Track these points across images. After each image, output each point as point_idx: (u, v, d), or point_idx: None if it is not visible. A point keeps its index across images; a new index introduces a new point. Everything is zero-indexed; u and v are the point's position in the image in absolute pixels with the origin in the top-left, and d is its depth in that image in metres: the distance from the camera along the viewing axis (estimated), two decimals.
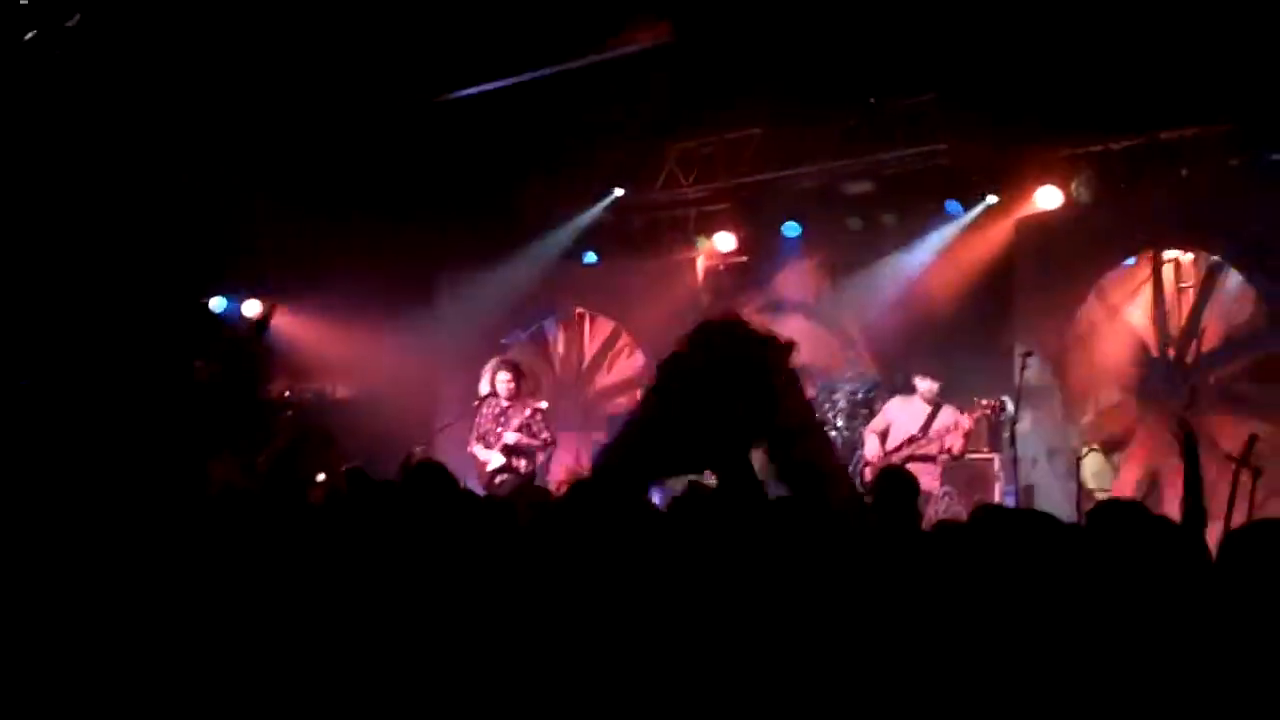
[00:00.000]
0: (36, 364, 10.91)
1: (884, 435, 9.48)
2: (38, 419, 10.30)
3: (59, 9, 9.17)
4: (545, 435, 9.32)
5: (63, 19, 9.21)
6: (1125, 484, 9.65)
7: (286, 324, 13.33)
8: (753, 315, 12.37)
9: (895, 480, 5.14)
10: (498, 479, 9.22)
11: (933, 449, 9.19)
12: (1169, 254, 10.08)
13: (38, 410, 10.50)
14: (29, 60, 9.45)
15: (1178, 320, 9.94)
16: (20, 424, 9.86)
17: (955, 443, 9.10)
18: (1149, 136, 9.90)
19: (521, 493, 7.88)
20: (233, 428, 11.73)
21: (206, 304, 13.31)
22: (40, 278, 10.94)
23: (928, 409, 9.32)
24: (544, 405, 9.43)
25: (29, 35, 9.23)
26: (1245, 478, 7.25)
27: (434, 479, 3.31)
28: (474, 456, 9.48)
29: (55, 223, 10.92)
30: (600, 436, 12.41)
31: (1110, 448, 10.01)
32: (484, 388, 9.43)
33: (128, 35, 9.73)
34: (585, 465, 11.78)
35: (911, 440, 9.22)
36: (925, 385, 9.33)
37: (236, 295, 13.39)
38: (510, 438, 9.20)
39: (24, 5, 8.94)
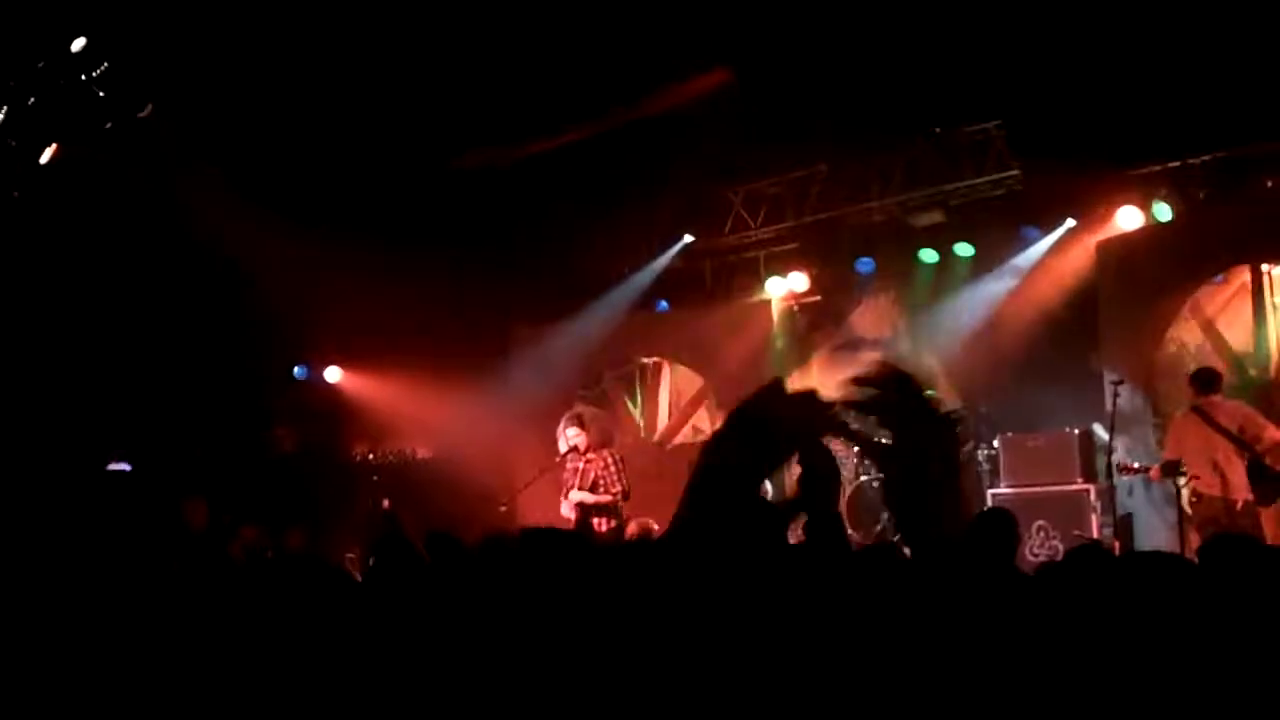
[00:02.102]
0: (125, 446, 11.10)
1: None
2: (131, 500, 10.45)
3: (133, 100, 9.36)
4: (618, 489, 9.07)
5: (136, 109, 9.41)
6: None
7: (364, 386, 13.45)
8: (830, 354, 12.39)
9: (997, 521, 4.96)
10: None
11: None
12: (1258, 269, 9.77)
13: (131, 491, 10.67)
14: (109, 146, 9.67)
15: (1270, 335, 9.63)
16: (114, 505, 10.01)
17: None
18: (1228, 151, 9.65)
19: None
20: (317, 494, 11.82)
21: (290, 372, 13.48)
22: (126, 350, 11.14)
23: None
24: (613, 459, 9.14)
25: (108, 125, 9.43)
26: None
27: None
28: (561, 513, 9.38)
29: (142, 297, 11.14)
30: (677, 481, 12.28)
31: None
32: (562, 444, 9.34)
33: (204, 113, 9.93)
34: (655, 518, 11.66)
35: None
36: None
37: (315, 361, 13.55)
38: (576, 496, 9.03)
39: (102, 98, 9.14)
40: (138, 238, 10.81)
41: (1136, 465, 8.87)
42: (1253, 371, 9.65)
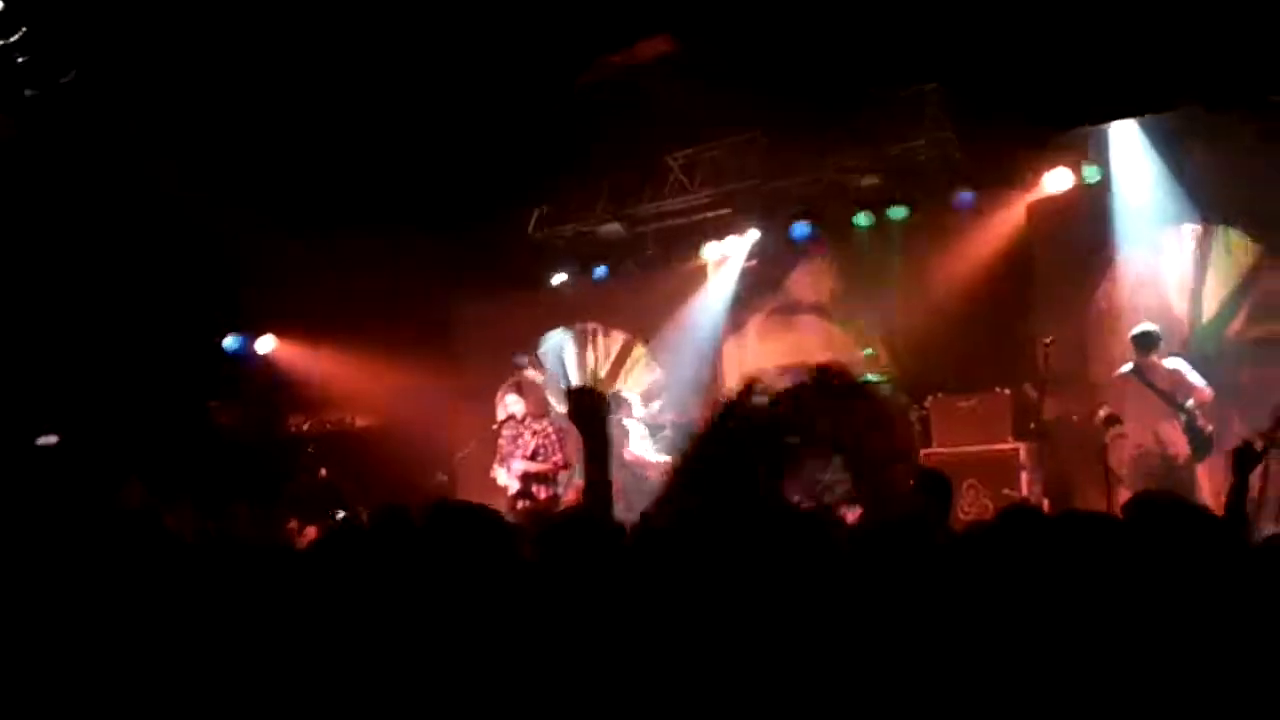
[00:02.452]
0: (55, 418, 10.93)
1: None
2: (58, 473, 10.31)
3: (55, 67, 9.16)
4: (557, 458, 9.16)
5: (59, 75, 9.21)
6: None
7: (302, 357, 13.34)
8: (767, 317, 12.45)
9: (930, 482, 5.03)
10: (518, 504, 9.15)
11: None
12: (1186, 229, 9.95)
13: (58, 464, 10.51)
14: (33, 112, 9.47)
15: (1195, 292, 9.83)
16: (39, 480, 9.87)
17: None
18: (1156, 113, 9.79)
19: (534, 520, 7.80)
20: (255, 469, 11.72)
21: (219, 343, 13.31)
22: (51, 325, 10.95)
23: None
24: (554, 428, 9.23)
25: (29, 93, 9.23)
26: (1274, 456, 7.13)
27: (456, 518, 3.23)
28: (495, 480, 9.41)
29: (64, 269, 10.93)
30: (617, 449, 12.36)
31: None
32: (500, 412, 9.37)
33: (130, 82, 9.73)
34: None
35: None
36: None
37: (250, 332, 13.40)
38: (519, 466, 9.09)
39: (21, 64, 8.93)
40: (64, 207, 10.61)
41: (1075, 418, 9.09)
42: (1180, 328, 9.86)
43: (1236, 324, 9.60)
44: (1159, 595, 2.47)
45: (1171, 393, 8.68)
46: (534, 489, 9.14)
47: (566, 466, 9.23)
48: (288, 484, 11.67)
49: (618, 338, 13.41)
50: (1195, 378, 8.74)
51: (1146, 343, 8.91)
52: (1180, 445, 8.62)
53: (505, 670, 2.56)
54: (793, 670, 2.46)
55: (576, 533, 2.99)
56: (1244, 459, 4.57)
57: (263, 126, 10.59)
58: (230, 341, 13.32)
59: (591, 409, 3.21)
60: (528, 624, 2.69)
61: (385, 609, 2.87)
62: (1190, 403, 8.66)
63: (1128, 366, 9.04)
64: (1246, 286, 9.58)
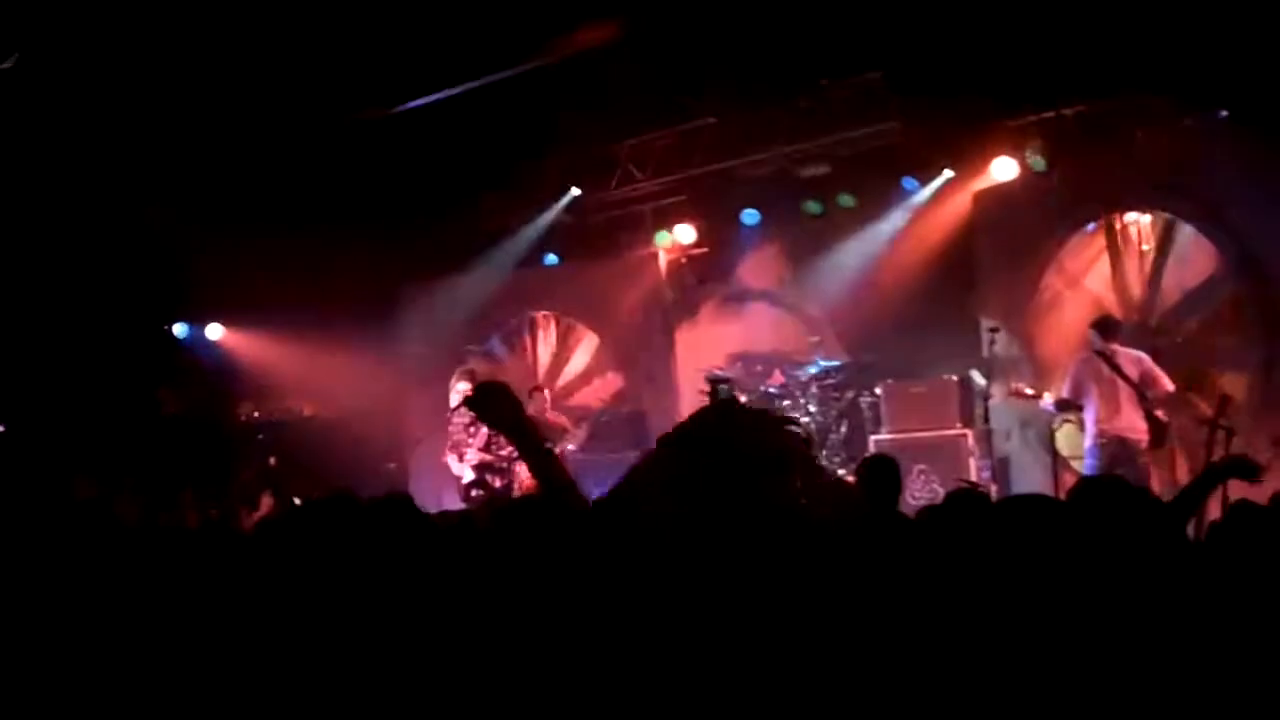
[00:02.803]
0: (5, 406, 10.79)
1: None
2: (4, 462, 10.18)
3: None
4: (507, 450, 9.13)
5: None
6: None
7: (251, 346, 13.24)
8: (719, 305, 12.51)
9: (880, 467, 5.10)
10: (472, 492, 9.16)
11: None
12: (1128, 217, 10.10)
13: (4, 453, 10.39)
14: None
15: (1139, 283, 9.98)
16: None
17: None
18: (1100, 102, 9.93)
19: (488, 508, 7.82)
20: (204, 457, 11.63)
21: (169, 330, 13.18)
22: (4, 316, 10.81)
23: None
24: None
25: None
26: (1219, 438, 7.31)
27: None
28: (449, 467, 9.42)
29: (12, 256, 10.78)
30: (568, 441, 12.40)
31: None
32: (453, 399, 9.37)
33: (76, 70, 9.60)
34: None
35: None
36: None
37: (199, 321, 13.28)
38: (473, 456, 9.12)
39: None
40: (11, 194, 10.45)
41: (1030, 391, 9.15)
42: (1134, 318, 10.01)
43: (1191, 324, 9.70)
44: (1098, 578, 2.55)
45: (1140, 381, 8.78)
46: (488, 478, 9.17)
47: (517, 458, 9.27)
48: (236, 472, 11.61)
49: (568, 325, 13.42)
50: (1159, 370, 8.85)
51: (1109, 328, 9.00)
52: (1142, 432, 8.72)
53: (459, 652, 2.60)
54: (756, 649, 2.51)
55: (538, 515, 3.02)
56: (1235, 468, 4.39)
57: (209, 115, 10.48)
58: (179, 329, 13.19)
59: (498, 404, 3.18)
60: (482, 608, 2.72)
61: (332, 592, 2.88)
62: (1151, 394, 8.76)
63: (1087, 351, 9.07)
64: (1185, 274, 9.72)
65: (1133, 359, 8.86)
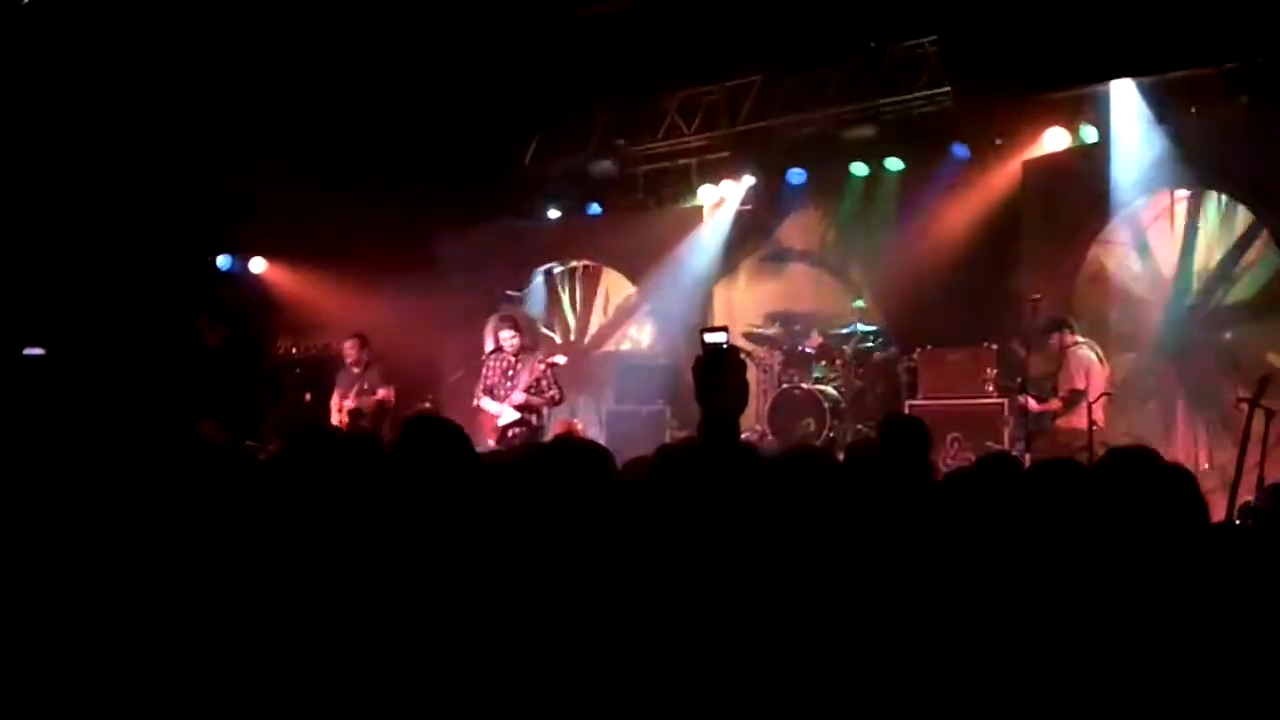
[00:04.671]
0: (43, 331, 10.92)
1: None
2: (45, 387, 10.32)
3: None
4: (553, 392, 9.42)
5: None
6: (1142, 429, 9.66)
7: (292, 281, 13.32)
8: (758, 264, 12.51)
9: (906, 429, 5.06)
10: (510, 433, 9.27)
11: None
12: (1179, 194, 9.98)
13: (45, 378, 10.53)
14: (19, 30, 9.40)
15: (1185, 259, 9.89)
16: (27, 392, 9.88)
17: None
18: (1156, 76, 9.78)
19: (527, 446, 7.95)
20: (241, 389, 11.73)
21: (212, 262, 13.27)
22: (44, 243, 10.92)
23: None
24: (559, 360, 9.49)
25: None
26: (1258, 420, 7.26)
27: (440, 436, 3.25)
28: (481, 409, 9.51)
29: (56, 189, 10.88)
30: (604, 386, 12.47)
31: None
32: (489, 343, 9.47)
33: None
34: (587, 420, 11.83)
35: None
36: None
37: (241, 253, 13.37)
38: (518, 398, 9.27)
39: None
40: (61, 121, 10.54)
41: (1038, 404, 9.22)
42: (1167, 297, 9.93)
43: (1224, 288, 9.65)
44: (1121, 542, 2.57)
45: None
46: (526, 416, 9.36)
47: (560, 401, 9.55)
48: (272, 406, 11.70)
49: (607, 276, 13.44)
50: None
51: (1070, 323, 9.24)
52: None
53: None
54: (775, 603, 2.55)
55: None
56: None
57: (258, 51, 10.52)
58: (223, 260, 13.29)
59: (735, 372, 3.38)
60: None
61: (354, 520, 2.89)
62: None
63: (1082, 341, 9.14)
64: (1237, 254, 9.63)
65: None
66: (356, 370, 10.65)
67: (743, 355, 3.90)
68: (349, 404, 10.51)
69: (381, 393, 10.46)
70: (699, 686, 2.36)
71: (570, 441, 2.81)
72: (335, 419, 10.54)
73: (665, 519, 2.81)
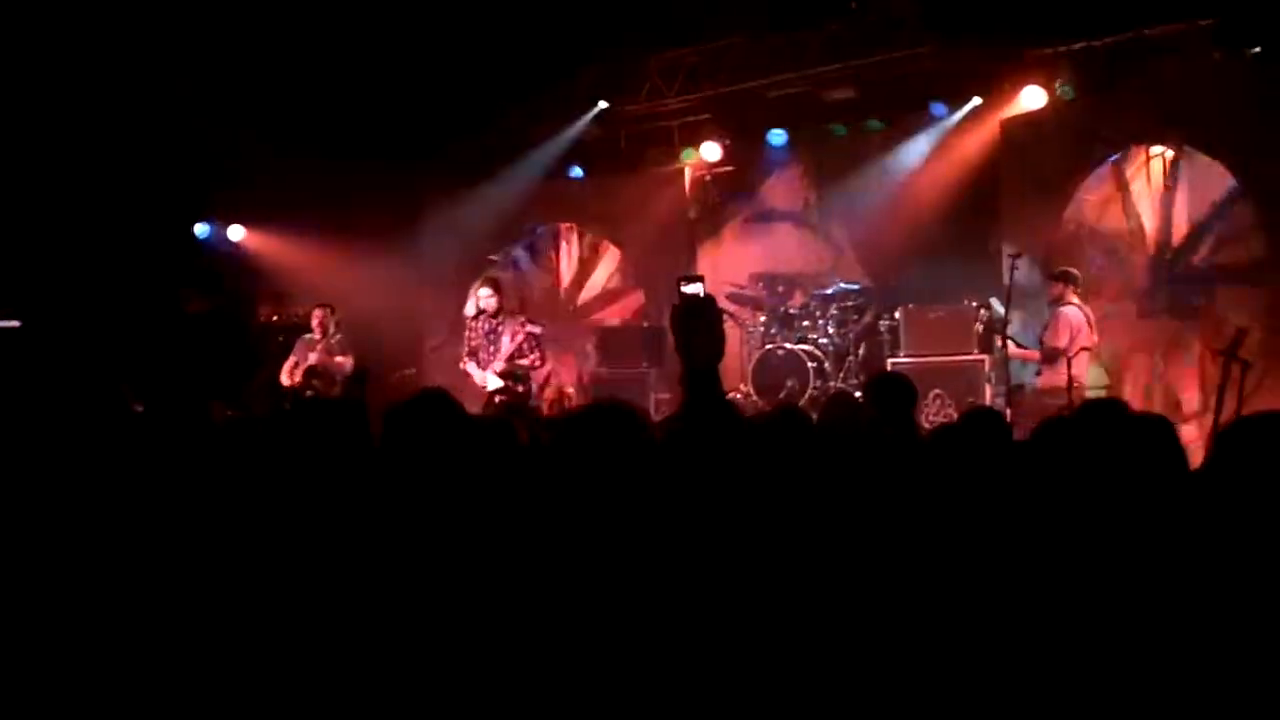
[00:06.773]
0: (22, 301, 10.87)
1: None
2: (25, 357, 10.29)
3: None
4: (533, 357, 9.36)
5: None
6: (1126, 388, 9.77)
7: (272, 248, 13.28)
8: (742, 225, 12.54)
9: (893, 386, 5.12)
10: (496, 399, 9.28)
11: None
12: (1154, 150, 10.04)
13: (25, 347, 10.49)
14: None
15: (1163, 215, 9.96)
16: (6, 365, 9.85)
17: None
18: (1132, 33, 9.83)
19: (518, 412, 7.98)
20: (225, 357, 11.72)
21: (191, 231, 13.22)
22: (17, 213, 10.85)
23: None
24: (537, 330, 9.46)
25: None
26: (1234, 370, 7.36)
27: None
28: (466, 374, 9.52)
29: (31, 157, 10.81)
30: (587, 349, 12.50)
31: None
32: (470, 308, 9.44)
33: None
34: (569, 382, 11.87)
35: None
36: None
37: (220, 221, 13.32)
38: (499, 366, 9.26)
39: None
40: (37, 91, 10.46)
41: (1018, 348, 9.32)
42: (1147, 251, 10.00)
43: (1204, 249, 9.71)
44: (1104, 491, 2.63)
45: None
46: (511, 384, 9.34)
47: (543, 364, 9.54)
48: (255, 374, 11.70)
49: (592, 239, 13.46)
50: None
51: (1076, 278, 9.24)
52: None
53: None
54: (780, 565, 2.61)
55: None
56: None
57: (236, 17, 10.46)
58: (201, 228, 13.24)
59: (709, 322, 3.42)
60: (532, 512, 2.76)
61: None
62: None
63: (1069, 301, 9.19)
64: (1214, 213, 9.69)
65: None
66: (318, 337, 10.62)
67: (726, 315, 3.98)
68: (312, 360, 10.45)
69: (340, 359, 10.48)
70: (692, 652, 2.38)
71: (610, 406, 2.81)
72: (286, 380, 10.47)
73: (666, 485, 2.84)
